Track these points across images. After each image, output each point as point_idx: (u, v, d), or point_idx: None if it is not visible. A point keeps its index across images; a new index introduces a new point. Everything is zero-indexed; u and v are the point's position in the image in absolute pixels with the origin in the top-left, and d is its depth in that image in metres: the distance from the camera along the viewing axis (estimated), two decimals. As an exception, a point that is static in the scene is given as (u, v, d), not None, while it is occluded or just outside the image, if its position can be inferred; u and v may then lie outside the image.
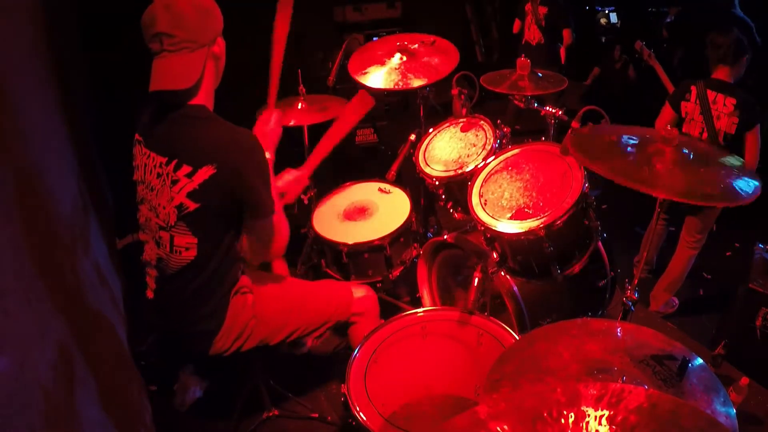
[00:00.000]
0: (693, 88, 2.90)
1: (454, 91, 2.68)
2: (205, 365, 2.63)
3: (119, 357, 2.14)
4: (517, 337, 1.84)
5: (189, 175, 1.58)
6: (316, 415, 2.40)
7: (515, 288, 2.18)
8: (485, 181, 2.20)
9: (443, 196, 2.48)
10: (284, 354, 2.73)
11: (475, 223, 2.10)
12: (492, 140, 2.39)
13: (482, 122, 2.54)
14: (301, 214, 2.92)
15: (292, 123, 2.70)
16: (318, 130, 2.59)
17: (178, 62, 1.53)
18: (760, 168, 2.82)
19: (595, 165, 1.56)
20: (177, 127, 1.62)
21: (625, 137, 1.73)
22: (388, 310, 2.38)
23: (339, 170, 3.87)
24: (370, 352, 1.83)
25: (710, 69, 2.90)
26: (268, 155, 1.72)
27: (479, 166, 2.28)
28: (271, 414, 2.37)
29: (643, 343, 1.45)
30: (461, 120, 2.64)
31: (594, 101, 2.34)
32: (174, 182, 1.60)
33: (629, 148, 1.68)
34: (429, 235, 3.02)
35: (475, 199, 2.15)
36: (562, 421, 0.78)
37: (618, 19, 6.88)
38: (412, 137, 2.77)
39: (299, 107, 2.79)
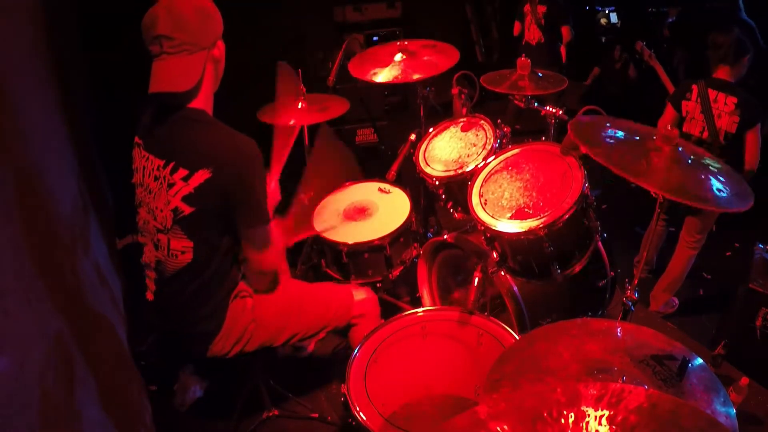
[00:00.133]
0: (694, 87, 2.90)
1: (455, 91, 2.68)
2: (205, 365, 2.63)
3: (119, 357, 2.14)
4: (517, 337, 1.84)
5: (185, 179, 1.57)
6: (316, 415, 2.40)
7: (515, 288, 2.18)
8: (485, 180, 2.20)
9: (443, 196, 2.47)
10: (285, 355, 2.73)
11: (475, 222, 2.09)
12: (492, 140, 2.39)
13: (482, 122, 2.54)
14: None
15: (292, 123, 2.69)
16: (318, 130, 2.61)
17: (177, 64, 1.52)
18: (761, 168, 2.82)
19: (593, 151, 1.57)
20: (176, 129, 1.62)
21: (610, 131, 1.74)
22: (388, 310, 2.38)
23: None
24: (370, 352, 1.83)
25: (711, 69, 2.90)
26: None
27: (479, 166, 2.28)
28: (271, 414, 2.37)
29: (643, 343, 1.45)
30: (461, 120, 2.64)
31: (594, 101, 2.33)
32: (170, 185, 1.59)
33: (610, 140, 1.69)
34: (429, 235, 3.02)
35: (475, 199, 2.15)
36: (562, 421, 0.78)
37: (618, 19, 6.89)
38: (412, 137, 2.77)
39: (299, 107, 2.79)
